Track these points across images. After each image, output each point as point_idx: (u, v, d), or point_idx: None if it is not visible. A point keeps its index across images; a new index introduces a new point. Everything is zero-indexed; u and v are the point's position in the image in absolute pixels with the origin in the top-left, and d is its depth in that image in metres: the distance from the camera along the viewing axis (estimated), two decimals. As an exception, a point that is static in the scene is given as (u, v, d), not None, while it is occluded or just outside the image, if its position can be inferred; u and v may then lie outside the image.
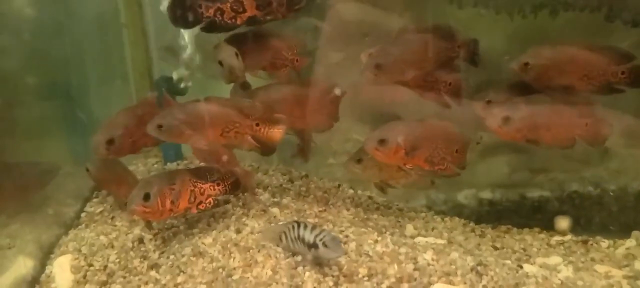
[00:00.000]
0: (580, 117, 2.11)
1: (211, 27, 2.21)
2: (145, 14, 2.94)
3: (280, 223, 2.08)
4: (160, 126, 2.03)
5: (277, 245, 1.93)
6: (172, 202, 2.00)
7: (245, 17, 2.20)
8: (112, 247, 2.18)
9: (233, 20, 2.20)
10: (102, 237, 2.23)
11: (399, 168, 2.24)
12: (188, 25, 2.23)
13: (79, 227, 2.37)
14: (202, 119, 2.07)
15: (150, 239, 2.19)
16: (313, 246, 1.79)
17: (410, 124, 2.15)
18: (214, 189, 2.12)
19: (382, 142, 2.05)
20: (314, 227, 1.82)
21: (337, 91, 2.29)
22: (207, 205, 2.10)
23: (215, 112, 2.10)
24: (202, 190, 2.09)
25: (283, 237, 1.89)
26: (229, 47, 2.22)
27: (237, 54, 2.21)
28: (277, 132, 2.15)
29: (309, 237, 1.80)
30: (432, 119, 2.20)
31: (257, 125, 2.14)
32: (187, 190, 2.05)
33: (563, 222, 2.34)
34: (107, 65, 3.01)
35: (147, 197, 1.96)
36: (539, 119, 2.08)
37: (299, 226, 1.84)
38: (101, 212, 2.46)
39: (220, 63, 2.21)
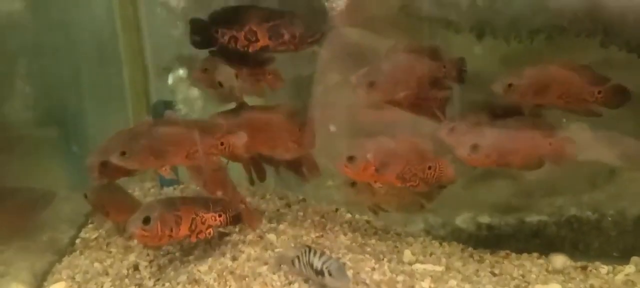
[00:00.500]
0: (544, 138, 2.16)
1: (225, 52, 2.28)
2: (143, 38, 2.95)
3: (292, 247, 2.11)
4: (123, 153, 2.01)
5: (290, 269, 1.94)
6: (171, 229, 1.98)
7: (258, 46, 2.26)
8: (107, 274, 2.16)
9: (246, 48, 2.26)
10: (96, 264, 2.21)
11: (391, 192, 2.25)
12: (204, 47, 2.31)
13: (74, 253, 2.35)
14: (166, 143, 2.06)
15: (146, 266, 2.17)
16: (320, 273, 1.79)
17: (380, 140, 2.13)
18: (216, 220, 2.10)
19: (351, 159, 2.03)
20: (322, 254, 1.83)
21: (331, 128, 2.28)
22: (207, 235, 2.08)
23: (179, 134, 2.10)
24: (203, 219, 2.07)
25: (296, 262, 1.89)
26: (228, 68, 2.24)
27: (236, 75, 2.23)
28: (239, 150, 2.15)
29: (317, 263, 1.81)
30: (405, 136, 2.19)
31: (222, 144, 2.13)
32: (188, 218, 2.03)
33: (558, 261, 2.33)
34: (105, 88, 3.01)
35: (147, 220, 1.94)
36: (506, 143, 2.12)
37: (309, 252, 1.85)
38: (96, 238, 2.44)
39: (220, 84, 2.23)
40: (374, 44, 2.52)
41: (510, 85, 2.16)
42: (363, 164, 2.02)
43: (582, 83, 2.19)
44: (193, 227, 2.05)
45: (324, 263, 1.79)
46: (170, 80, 2.81)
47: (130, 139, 2.06)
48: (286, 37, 2.26)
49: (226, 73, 2.24)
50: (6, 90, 2.60)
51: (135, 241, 2.25)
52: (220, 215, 2.11)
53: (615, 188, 2.61)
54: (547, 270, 2.31)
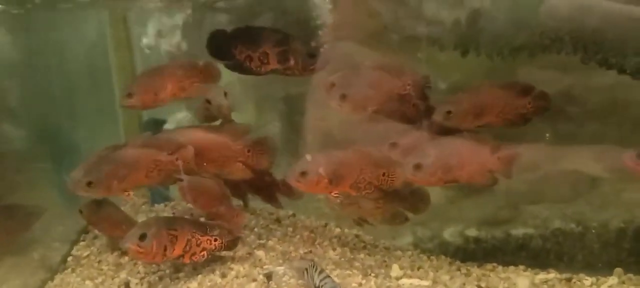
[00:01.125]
0: (491, 152, 2.20)
1: (237, 68, 2.35)
2: (135, 56, 2.99)
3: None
4: (89, 183, 2.02)
5: (300, 279, 2.00)
6: (165, 248, 2.00)
7: (269, 69, 2.35)
8: (98, 292, 2.18)
9: (258, 68, 2.35)
10: (87, 282, 2.24)
11: (377, 205, 2.29)
12: (221, 58, 2.37)
13: (65, 271, 2.37)
14: (125, 165, 2.09)
15: (137, 283, 2.19)
16: None
17: (331, 152, 2.16)
18: (211, 243, 2.12)
19: (303, 174, 2.05)
20: (322, 271, 1.89)
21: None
22: (200, 257, 2.10)
23: (137, 155, 2.13)
24: (198, 241, 2.09)
25: (305, 274, 1.95)
26: (217, 86, 2.27)
27: (225, 93, 2.27)
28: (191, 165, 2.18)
29: (316, 279, 1.86)
30: (356, 146, 2.22)
31: (177, 160, 2.16)
32: (184, 239, 2.06)
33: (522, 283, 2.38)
34: (97, 106, 3.04)
35: (143, 237, 1.97)
36: (449, 160, 2.14)
37: (314, 267, 1.91)
38: (88, 255, 2.46)
39: (208, 101, 2.27)
40: (360, 62, 2.57)
41: (448, 112, 2.21)
42: (315, 178, 2.05)
43: (514, 97, 2.28)
44: (187, 248, 2.07)
45: (321, 281, 1.83)
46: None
47: (92, 167, 2.07)
48: (291, 61, 2.34)
49: (215, 91, 2.28)
50: (-1, 110, 2.63)
51: (129, 256, 2.27)
52: (216, 240, 2.13)
53: (599, 200, 2.65)
54: (533, 283, 2.34)
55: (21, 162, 2.67)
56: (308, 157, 2.11)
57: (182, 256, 2.07)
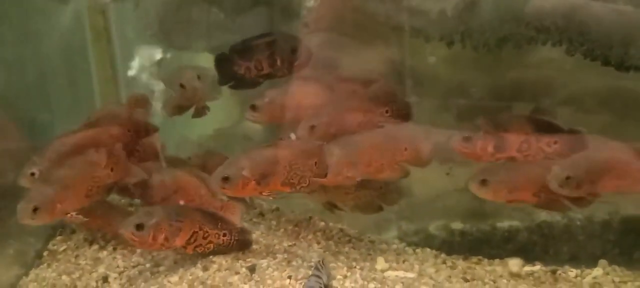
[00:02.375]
0: (399, 144, 2.18)
1: (242, 84, 2.36)
2: (115, 49, 2.92)
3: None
4: (35, 209, 1.95)
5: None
6: (166, 238, 1.95)
7: (264, 74, 2.34)
8: (75, 286, 2.12)
9: (258, 77, 2.35)
10: (64, 277, 2.18)
11: (346, 191, 2.26)
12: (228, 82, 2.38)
13: (41, 266, 2.30)
14: (67, 187, 2.03)
15: (115, 278, 2.14)
16: None
17: (254, 152, 2.06)
18: (219, 238, 2.07)
19: (226, 179, 1.95)
20: (317, 268, 1.88)
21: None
22: (206, 249, 2.06)
23: (75, 175, 2.06)
24: (206, 234, 2.04)
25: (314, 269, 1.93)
26: (191, 69, 2.27)
27: (198, 77, 2.24)
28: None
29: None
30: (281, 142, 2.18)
31: (112, 170, 2.13)
32: (189, 230, 2.01)
33: (514, 263, 2.36)
34: (75, 99, 2.97)
35: (140, 227, 1.92)
36: (355, 157, 2.09)
37: (315, 266, 1.91)
38: (65, 250, 2.39)
39: (182, 86, 2.22)
40: (344, 52, 2.55)
41: (312, 127, 2.15)
42: (240, 181, 1.95)
43: (372, 108, 2.24)
44: (192, 239, 2.02)
45: (308, 279, 1.81)
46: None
47: (35, 194, 1.99)
48: (278, 64, 2.34)
49: (188, 75, 2.25)
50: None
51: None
52: (225, 235, 2.08)
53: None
54: (518, 275, 2.34)
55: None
56: (232, 159, 2.01)
57: (185, 247, 2.03)
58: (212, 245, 2.06)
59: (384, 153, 2.14)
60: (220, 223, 2.08)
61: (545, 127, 2.14)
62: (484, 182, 2.05)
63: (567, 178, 1.93)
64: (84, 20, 2.91)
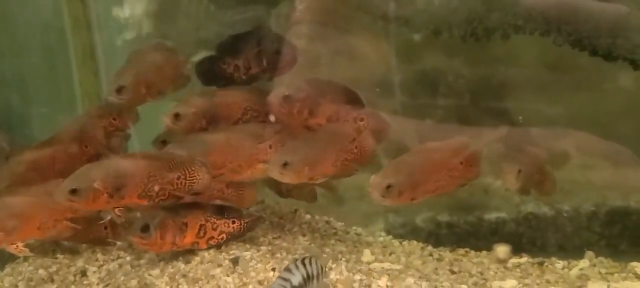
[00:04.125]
0: (349, 144, 2.08)
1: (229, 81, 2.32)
2: (94, 36, 2.85)
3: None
4: None
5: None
6: (174, 237, 1.92)
7: (250, 74, 2.31)
8: (52, 281, 2.07)
9: (244, 75, 2.32)
10: (41, 271, 2.12)
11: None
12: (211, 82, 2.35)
13: (17, 260, 2.24)
14: (21, 215, 1.94)
15: (94, 271, 2.09)
16: None
17: (109, 163, 1.95)
18: (229, 226, 2.04)
19: (74, 192, 1.82)
20: (288, 270, 1.66)
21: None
22: (219, 240, 2.02)
23: (29, 204, 1.97)
24: (215, 225, 2.01)
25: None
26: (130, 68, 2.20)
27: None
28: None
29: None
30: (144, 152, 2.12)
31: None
32: (196, 225, 1.97)
33: (501, 250, 2.35)
34: (53, 90, 2.90)
35: (145, 229, 1.88)
36: (313, 156, 2.01)
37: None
38: (42, 243, 2.33)
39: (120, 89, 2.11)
40: (331, 42, 2.51)
41: (176, 115, 2.08)
42: (91, 194, 1.82)
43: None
44: (201, 233, 1.98)
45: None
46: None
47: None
48: (265, 64, 2.31)
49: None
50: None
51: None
52: (234, 222, 2.05)
53: (570, 185, 2.66)
54: (505, 267, 2.32)
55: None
56: (83, 168, 1.89)
57: (197, 242, 1.99)
58: (224, 235, 2.03)
59: (337, 152, 2.04)
60: (226, 212, 2.04)
61: (355, 100, 2.09)
62: (285, 166, 1.90)
63: (388, 187, 1.80)
64: (62, 7, 2.83)
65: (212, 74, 2.35)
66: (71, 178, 1.85)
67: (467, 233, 2.71)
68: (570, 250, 2.48)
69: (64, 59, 2.86)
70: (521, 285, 2.06)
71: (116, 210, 1.90)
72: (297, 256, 1.85)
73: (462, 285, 1.98)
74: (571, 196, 2.64)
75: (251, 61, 2.29)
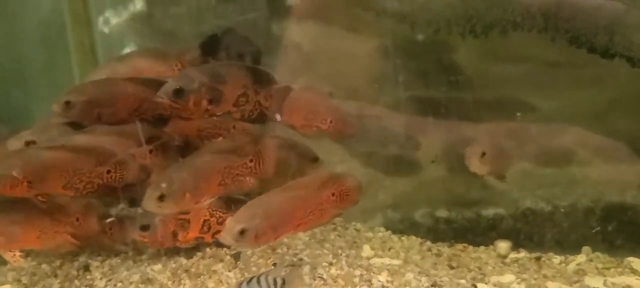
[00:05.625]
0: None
1: None
2: (94, 32, 2.85)
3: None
4: None
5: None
6: (176, 233, 1.92)
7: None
8: (55, 276, 2.07)
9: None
10: (44, 265, 2.13)
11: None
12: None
13: (20, 255, 2.25)
14: (22, 223, 1.93)
15: (97, 266, 2.10)
16: None
17: (34, 151, 1.94)
18: None
19: None
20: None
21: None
22: None
23: (31, 213, 1.94)
24: (220, 219, 1.99)
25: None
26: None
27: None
28: None
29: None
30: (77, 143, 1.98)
31: (77, 220, 2.03)
32: (199, 220, 1.96)
33: (502, 246, 2.37)
34: (53, 84, 2.89)
35: (145, 228, 1.89)
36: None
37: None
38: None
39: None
40: (330, 38, 2.52)
41: (67, 102, 1.96)
42: (9, 181, 1.80)
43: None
44: (206, 228, 1.97)
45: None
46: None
47: None
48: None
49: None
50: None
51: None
52: None
53: (568, 180, 2.68)
54: (503, 262, 2.35)
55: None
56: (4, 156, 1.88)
57: (202, 237, 1.98)
58: None
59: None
60: (232, 205, 1.99)
61: (264, 79, 1.95)
62: (161, 198, 1.79)
63: (242, 232, 1.66)
64: (62, 2, 2.83)
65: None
66: None
67: (465, 229, 2.72)
68: (567, 245, 2.49)
69: (64, 54, 2.86)
70: (519, 279, 2.08)
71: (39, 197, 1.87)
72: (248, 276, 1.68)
73: (461, 280, 2.00)
74: (568, 192, 2.65)
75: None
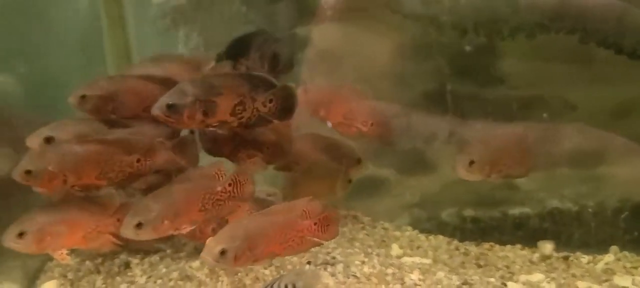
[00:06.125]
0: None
1: None
2: (130, 37, 2.94)
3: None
4: (21, 234, 1.89)
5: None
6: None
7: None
8: (98, 272, 2.16)
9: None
10: (88, 262, 2.22)
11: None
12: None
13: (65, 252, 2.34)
14: (69, 222, 1.97)
15: (137, 263, 2.17)
16: None
17: (61, 146, 1.98)
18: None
19: (28, 173, 1.88)
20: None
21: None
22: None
23: (77, 212, 2.00)
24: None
25: None
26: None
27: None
28: None
29: None
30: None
31: (118, 221, 2.02)
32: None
33: (546, 247, 2.39)
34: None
35: (139, 226, 1.88)
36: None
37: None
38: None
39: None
40: (359, 41, 2.57)
41: (83, 96, 2.06)
42: (46, 175, 1.88)
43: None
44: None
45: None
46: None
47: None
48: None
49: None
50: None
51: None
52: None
53: (595, 180, 2.69)
54: (530, 261, 2.38)
55: (19, 145, 2.60)
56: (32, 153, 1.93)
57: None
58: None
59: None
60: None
61: (262, 85, 1.98)
62: (139, 226, 1.84)
63: (222, 252, 1.66)
64: (99, 8, 2.92)
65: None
66: (25, 159, 1.91)
67: (492, 228, 2.74)
68: (595, 245, 2.50)
69: (100, 58, 2.95)
70: (548, 279, 2.11)
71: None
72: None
73: (490, 279, 2.03)
74: (596, 192, 2.66)
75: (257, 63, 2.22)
